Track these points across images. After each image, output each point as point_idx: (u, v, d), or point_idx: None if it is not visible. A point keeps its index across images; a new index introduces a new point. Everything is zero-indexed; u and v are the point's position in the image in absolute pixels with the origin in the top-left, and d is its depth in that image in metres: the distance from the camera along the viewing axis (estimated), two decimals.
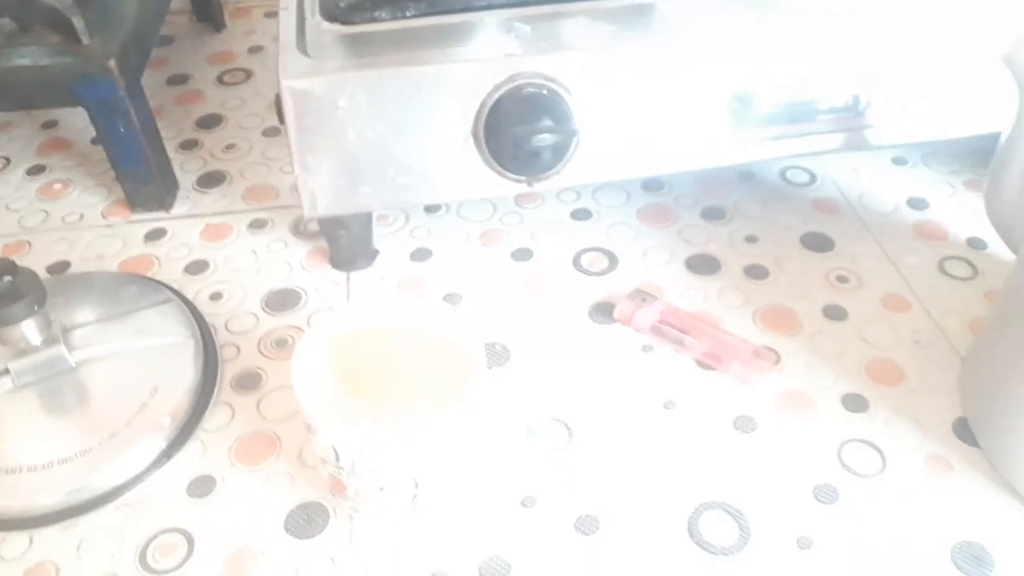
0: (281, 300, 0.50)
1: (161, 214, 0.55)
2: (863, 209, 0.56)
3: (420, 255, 0.53)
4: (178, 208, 0.56)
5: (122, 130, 0.51)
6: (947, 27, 0.48)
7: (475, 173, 0.48)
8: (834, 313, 0.49)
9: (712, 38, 0.47)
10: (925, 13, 0.48)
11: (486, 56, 0.46)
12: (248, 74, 0.67)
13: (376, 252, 0.53)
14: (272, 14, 0.73)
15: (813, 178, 0.58)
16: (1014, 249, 0.42)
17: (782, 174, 0.58)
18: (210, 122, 0.63)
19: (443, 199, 0.53)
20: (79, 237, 0.54)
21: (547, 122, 0.46)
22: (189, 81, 0.67)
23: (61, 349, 0.42)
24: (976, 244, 0.53)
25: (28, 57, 0.50)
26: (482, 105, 0.46)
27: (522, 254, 0.53)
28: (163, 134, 0.56)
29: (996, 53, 0.44)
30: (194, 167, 0.59)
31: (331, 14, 0.48)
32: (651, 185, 0.57)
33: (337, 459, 0.36)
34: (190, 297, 0.49)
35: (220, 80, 0.67)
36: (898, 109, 0.50)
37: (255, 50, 0.70)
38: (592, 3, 0.50)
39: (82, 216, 0.56)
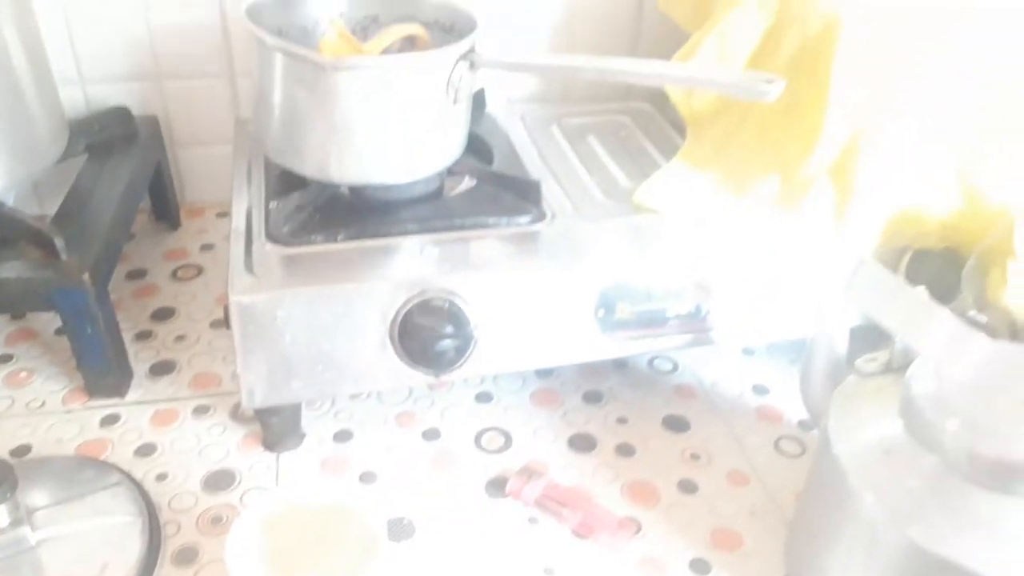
0: (218, 480, 0.57)
1: (116, 400, 0.63)
2: (716, 394, 0.67)
3: (342, 436, 0.61)
4: (132, 395, 0.64)
5: (88, 331, 0.60)
6: (763, 256, 0.61)
7: (390, 368, 0.58)
8: (687, 487, 0.59)
9: (584, 260, 0.59)
10: (747, 246, 0.61)
11: (400, 274, 0.57)
12: (199, 270, 0.77)
13: (303, 435, 0.61)
14: (223, 214, 0.84)
15: (676, 367, 0.70)
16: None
17: (650, 363, 0.70)
18: (163, 314, 0.72)
19: (363, 389, 0.62)
20: (41, 422, 0.61)
21: (449, 329, 0.57)
22: (147, 276, 0.76)
23: (25, 530, 0.48)
24: (805, 425, 0.64)
25: (12, 270, 0.59)
26: (396, 314, 0.56)
27: (431, 434, 0.62)
28: (121, 326, 0.65)
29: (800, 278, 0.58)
30: (147, 356, 0.68)
31: (274, 237, 0.59)
32: (543, 372, 0.68)
33: None
34: (139, 478, 0.56)
35: (174, 275, 0.77)
36: (730, 317, 0.62)
37: (207, 247, 0.80)
38: (488, 230, 0.62)
39: (44, 403, 0.63)
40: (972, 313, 0.65)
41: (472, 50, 0.60)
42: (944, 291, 0.66)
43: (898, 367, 0.51)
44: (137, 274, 0.77)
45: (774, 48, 0.62)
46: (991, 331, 0.63)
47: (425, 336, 0.56)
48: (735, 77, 0.53)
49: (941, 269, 0.66)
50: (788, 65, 0.62)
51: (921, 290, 0.50)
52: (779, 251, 0.62)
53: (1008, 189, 0.62)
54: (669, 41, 0.69)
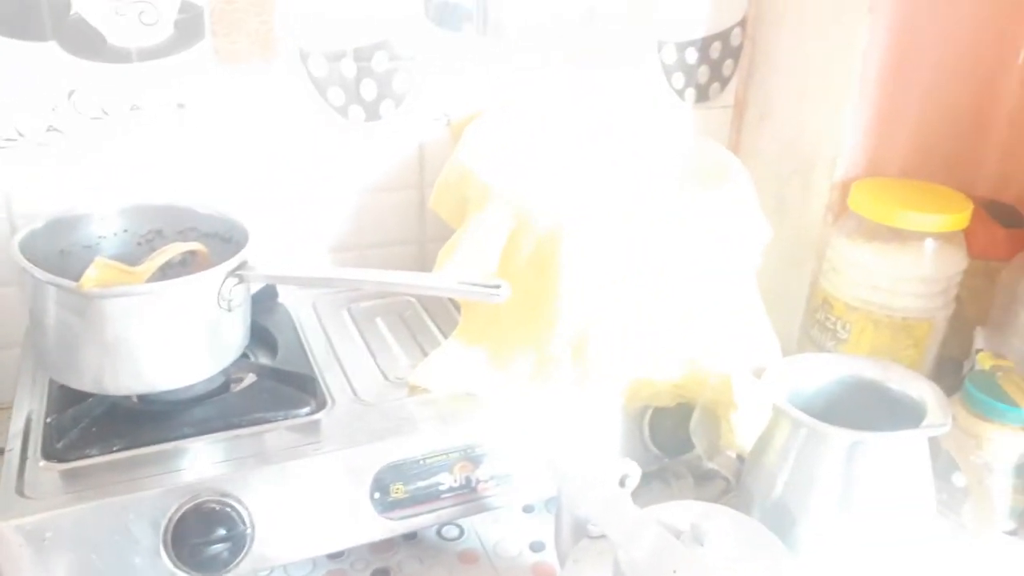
0: None
1: None
2: (496, 556, 0.72)
3: None
4: None
5: None
6: (522, 424, 0.69)
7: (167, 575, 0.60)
8: None
9: (355, 446, 0.64)
10: (508, 416, 0.68)
11: (171, 481, 0.59)
12: None
13: None
14: None
15: (462, 532, 0.75)
16: None
17: (439, 531, 0.74)
18: None
19: None
20: None
21: (221, 532, 0.59)
22: None
23: None
24: None
25: None
26: (168, 521, 0.59)
27: None
28: None
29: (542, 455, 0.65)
30: None
31: (49, 454, 0.61)
32: (334, 553, 0.71)
33: None
34: None
35: None
36: (500, 483, 0.68)
37: None
38: (268, 425, 0.66)
39: None
40: (704, 462, 0.74)
41: (243, 265, 0.66)
42: (683, 441, 0.75)
43: None
44: None
45: (518, 246, 0.73)
46: (721, 475, 0.73)
47: (195, 541, 0.59)
48: (467, 287, 0.62)
49: (678, 423, 0.75)
50: (529, 260, 0.72)
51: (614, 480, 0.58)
52: (534, 419, 0.69)
53: (719, 356, 0.73)
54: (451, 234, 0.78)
